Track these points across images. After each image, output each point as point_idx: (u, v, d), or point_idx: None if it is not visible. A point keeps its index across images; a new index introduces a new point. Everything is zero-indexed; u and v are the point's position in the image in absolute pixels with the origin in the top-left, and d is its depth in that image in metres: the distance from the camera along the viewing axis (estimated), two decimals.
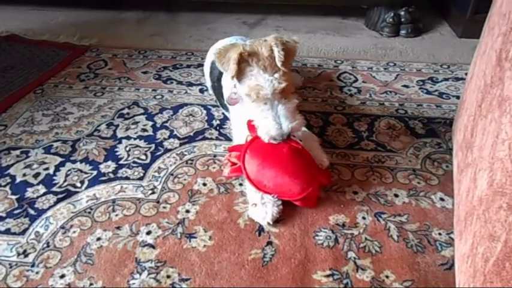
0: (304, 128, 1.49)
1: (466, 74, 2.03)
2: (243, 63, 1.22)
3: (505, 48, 0.97)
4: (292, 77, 1.29)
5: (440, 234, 1.26)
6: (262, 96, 1.21)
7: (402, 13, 2.54)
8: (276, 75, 1.21)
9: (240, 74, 1.23)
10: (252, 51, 1.21)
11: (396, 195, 1.39)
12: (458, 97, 1.90)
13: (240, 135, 1.45)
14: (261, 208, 1.28)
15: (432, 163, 1.53)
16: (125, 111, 1.83)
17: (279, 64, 1.19)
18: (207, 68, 1.79)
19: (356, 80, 2.07)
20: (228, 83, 1.50)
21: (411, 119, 1.77)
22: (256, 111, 1.25)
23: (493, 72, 1.04)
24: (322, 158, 1.42)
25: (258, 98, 1.22)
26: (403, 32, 2.55)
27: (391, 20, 2.54)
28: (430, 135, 1.67)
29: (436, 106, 1.86)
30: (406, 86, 2.01)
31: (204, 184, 1.44)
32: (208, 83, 1.82)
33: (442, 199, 1.37)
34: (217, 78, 1.61)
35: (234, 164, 1.40)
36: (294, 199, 1.30)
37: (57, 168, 1.51)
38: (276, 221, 1.28)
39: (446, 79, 2.07)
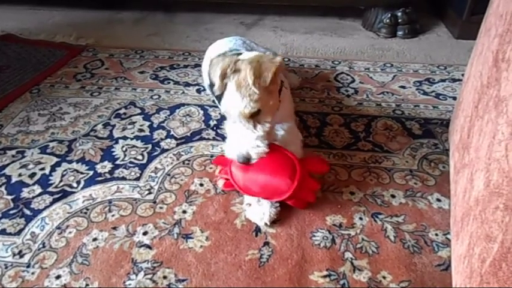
0: (291, 124, 1.49)
1: (462, 75, 2.04)
2: (225, 79, 1.19)
3: (502, 49, 0.98)
4: (272, 99, 1.23)
5: (437, 234, 1.26)
6: (230, 114, 1.19)
7: (399, 14, 2.54)
8: (247, 98, 1.15)
9: (223, 90, 1.21)
10: (236, 68, 1.17)
11: (393, 196, 1.39)
12: (455, 98, 1.91)
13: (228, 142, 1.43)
14: (258, 209, 1.27)
15: (429, 164, 1.53)
16: (122, 111, 1.83)
17: (250, 82, 1.13)
18: (204, 68, 1.79)
19: (353, 81, 2.07)
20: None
21: (408, 120, 1.77)
22: (228, 127, 1.24)
23: (490, 73, 1.04)
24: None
25: (228, 117, 1.21)
26: (400, 33, 2.56)
27: (388, 20, 2.54)
28: (427, 136, 1.67)
29: (433, 107, 1.86)
30: (403, 87, 2.02)
31: (201, 184, 1.44)
32: (206, 83, 1.81)
33: (438, 200, 1.38)
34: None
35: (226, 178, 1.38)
36: (284, 198, 1.26)
37: (53, 169, 1.51)
38: (273, 222, 1.28)
39: (443, 80, 2.08)
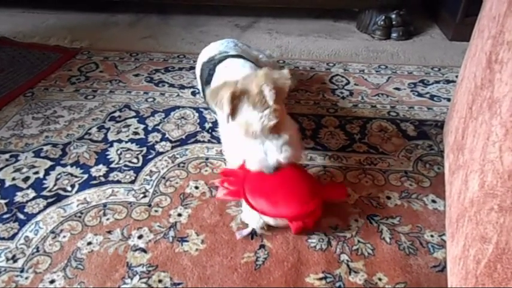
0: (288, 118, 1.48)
1: (456, 76, 2.05)
2: (235, 101, 1.20)
3: (495, 51, 0.98)
4: (285, 111, 1.27)
5: (432, 236, 1.26)
6: (252, 132, 1.20)
7: (393, 16, 2.56)
8: (266, 111, 1.19)
9: (233, 112, 1.22)
10: (243, 88, 1.20)
11: (388, 198, 1.39)
12: (449, 99, 1.92)
13: (232, 155, 1.41)
14: (254, 212, 1.27)
15: (424, 165, 1.53)
16: (116, 114, 1.82)
17: (270, 103, 1.18)
18: (198, 71, 1.78)
19: (348, 83, 2.08)
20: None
21: (403, 122, 1.77)
22: (246, 145, 1.24)
23: (483, 74, 1.04)
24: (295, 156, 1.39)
25: (248, 134, 1.21)
26: (394, 34, 2.57)
27: (382, 23, 2.55)
28: (422, 137, 1.68)
29: (428, 108, 1.87)
30: (398, 89, 2.02)
31: (196, 187, 1.43)
32: (200, 86, 1.81)
33: (434, 201, 1.38)
34: (206, 81, 1.61)
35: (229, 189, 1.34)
36: (294, 217, 1.22)
37: (47, 172, 1.50)
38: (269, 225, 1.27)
39: (437, 82, 2.08)
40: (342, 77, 2.13)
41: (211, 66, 1.59)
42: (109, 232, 1.27)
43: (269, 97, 1.18)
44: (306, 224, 1.23)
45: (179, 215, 1.33)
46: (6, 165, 1.53)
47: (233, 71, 1.48)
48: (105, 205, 1.37)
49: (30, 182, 1.46)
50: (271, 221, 1.23)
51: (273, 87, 1.19)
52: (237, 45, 1.78)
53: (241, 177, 1.29)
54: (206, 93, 1.31)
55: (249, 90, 1.20)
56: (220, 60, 1.57)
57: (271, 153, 1.19)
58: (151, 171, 1.50)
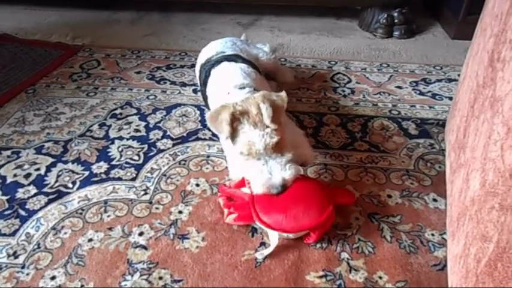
0: (290, 121, 1.48)
1: (458, 75, 2.04)
2: (235, 123, 1.20)
3: (497, 49, 0.98)
4: (285, 130, 1.26)
5: (433, 234, 1.26)
6: (255, 151, 1.20)
7: (395, 14, 2.55)
8: (267, 130, 1.20)
9: (233, 133, 1.22)
10: (242, 110, 1.20)
11: (389, 196, 1.39)
12: (451, 98, 1.91)
13: (235, 165, 1.39)
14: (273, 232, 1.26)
15: (425, 164, 1.53)
16: (118, 111, 1.82)
17: (267, 122, 1.18)
18: (197, 72, 1.79)
19: (350, 81, 2.07)
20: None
21: (404, 120, 1.77)
22: (249, 167, 1.23)
23: (485, 73, 1.04)
24: (307, 156, 1.39)
25: (251, 154, 1.21)
26: (396, 33, 2.56)
27: (384, 21, 2.55)
28: (423, 136, 1.68)
29: (429, 107, 1.86)
30: (400, 87, 2.02)
31: (197, 185, 1.43)
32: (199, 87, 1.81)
33: (434, 200, 1.38)
34: (203, 82, 1.61)
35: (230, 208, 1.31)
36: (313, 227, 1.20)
37: (48, 169, 1.50)
38: None
39: (439, 80, 2.08)
40: (344, 75, 2.13)
41: (207, 68, 1.60)
42: (110, 229, 1.27)
43: (266, 115, 1.18)
44: (325, 229, 1.22)
45: (180, 212, 1.33)
46: (8, 162, 1.53)
47: (225, 77, 1.50)
48: (106, 202, 1.37)
49: (31, 178, 1.46)
50: (291, 234, 1.21)
51: (270, 105, 1.20)
52: (235, 44, 1.78)
53: (248, 200, 1.26)
54: (206, 116, 1.31)
55: (248, 111, 1.20)
56: (217, 61, 1.59)
57: (276, 172, 1.19)
58: (152, 168, 1.51)
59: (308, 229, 1.19)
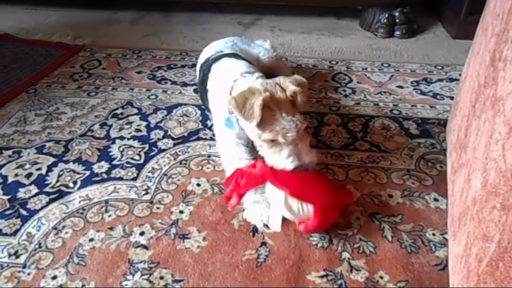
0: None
1: (459, 74, 2.04)
2: (264, 109, 1.18)
3: (499, 49, 0.98)
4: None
5: (434, 234, 1.26)
6: (289, 138, 1.20)
7: (397, 14, 2.55)
8: (298, 116, 1.22)
9: (261, 120, 1.20)
10: (271, 96, 1.20)
11: (390, 196, 1.39)
12: (452, 98, 1.91)
13: (232, 164, 1.41)
14: (257, 210, 1.27)
15: (426, 164, 1.53)
16: (119, 111, 1.82)
17: (301, 104, 1.21)
18: (197, 70, 1.79)
19: (351, 81, 2.07)
20: (220, 108, 1.45)
21: (405, 120, 1.77)
22: (276, 153, 1.23)
23: (487, 72, 1.04)
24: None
25: (286, 141, 1.21)
26: (397, 32, 2.56)
27: (385, 20, 2.54)
28: (424, 135, 1.67)
29: (430, 107, 1.86)
30: (401, 87, 2.02)
31: (198, 184, 1.43)
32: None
33: (436, 199, 1.38)
34: (201, 80, 1.61)
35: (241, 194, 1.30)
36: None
37: (49, 169, 1.50)
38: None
39: (440, 80, 2.08)
40: (345, 75, 2.13)
41: (207, 66, 1.60)
42: (111, 229, 1.27)
43: (300, 101, 1.20)
44: (325, 223, 1.21)
45: (181, 212, 1.33)
46: (9, 162, 1.53)
47: (229, 68, 1.49)
48: (107, 202, 1.37)
49: (32, 178, 1.46)
50: (287, 214, 1.20)
51: (301, 89, 1.21)
52: (235, 44, 1.77)
53: (259, 171, 1.26)
54: (229, 100, 1.27)
55: (277, 97, 1.20)
56: (217, 58, 1.58)
57: (304, 155, 1.21)
58: (153, 168, 1.51)
59: (314, 202, 1.18)
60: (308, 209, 1.18)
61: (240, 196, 1.28)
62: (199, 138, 1.65)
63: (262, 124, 1.20)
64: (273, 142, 1.23)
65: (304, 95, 1.24)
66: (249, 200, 1.30)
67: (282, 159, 1.22)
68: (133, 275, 1.14)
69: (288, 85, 1.23)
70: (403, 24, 2.55)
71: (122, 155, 1.57)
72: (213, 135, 1.66)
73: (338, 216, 1.24)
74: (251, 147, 1.41)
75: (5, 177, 1.46)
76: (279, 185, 1.20)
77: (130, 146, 1.61)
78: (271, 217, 1.24)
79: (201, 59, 1.74)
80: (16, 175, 1.47)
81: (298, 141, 1.22)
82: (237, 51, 1.68)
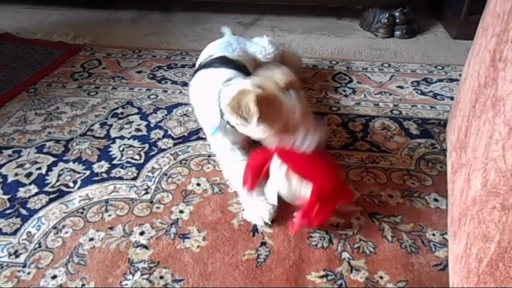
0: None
1: (460, 75, 2.03)
2: (259, 105, 1.14)
3: (499, 49, 0.98)
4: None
5: (434, 234, 1.26)
6: (298, 115, 1.20)
7: (397, 14, 2.54)
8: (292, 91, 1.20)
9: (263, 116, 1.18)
10: (264, 90, 1.16)
11: (390, 196, 1.39)
12: (452, 98, 1.91)
13: (229, 164, 1.42)
14: (256, 208, 1.27)
15: (426, 164, 1.53)
16: (119, 110, 1.82)
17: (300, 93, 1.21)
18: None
19: (351, 81, 2.07)
20: (211, 110, 1.40)
21: (406, 120, 1.77)
22: (291, 138, 1.21)
23: (487, 72, 1.04)
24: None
25: (291, 127, 1.20)
26: (397, 33, 2.56)
27: (385, 20, 2.54)
28: (425, 136, 1.67)
29: (431, 107, 1.86)
30: (401, 87, 2.02)
31: (198, 184, 1.43)
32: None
33: (436, 200, 1.38)
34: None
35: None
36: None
37: (49, 168, 1.50)
38: (271, 221, 1.27)
39: (440, 80, 2.08)
40: (345, 75, 2.13)
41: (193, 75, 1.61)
42: (111, 228, 1.27)
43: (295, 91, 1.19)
44: (318, 220, 1.19)
45: (181, 211, 1.33)
46: (9, 161, 1.53)
47: (208, 81, 1.48)
48: (107, 201, 1.37)
49: (32, 177, 1.46)
50: (285, 188, 1.20)
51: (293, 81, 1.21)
52: (230, 45, 1.74)
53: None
54: (225, 109, 1.27)
55: (271, 89, 1.17)
56: (201, 67, 1.59)
57: (312, 138, 1.19)
58: (153, 168, 1.51)
59: (312, 180, 1.17)
60: (306, 192, 1.17)
61: (254, 174, 1.26)
62: (199, 138, 1.65)
63: (265, 120, 1.17)
64: (283, 132, 1.20)
65: (296, 85, 1.22)
66: (249, 200, 1.30)
67: (299, 141, 1.19)
68: (133, 275, 1.14)
69: (280, 76, 1.20)
70: (403, 25, 2.54)
71: (122, 155, 1.57)
72: None
73: (333, 210, 1.23)
74: (247, 150, 1.41)
75: (5, 177, 1.46)
76: (285, 159, 1.20)
77: (131, 146, 1.61)
78: (269, 192, 1.25)
79: (197, 64, 1.74)
80: (16, 174, 1.47)
81: (305, 118, 1.21)
82: (230, 53, 1.66)
